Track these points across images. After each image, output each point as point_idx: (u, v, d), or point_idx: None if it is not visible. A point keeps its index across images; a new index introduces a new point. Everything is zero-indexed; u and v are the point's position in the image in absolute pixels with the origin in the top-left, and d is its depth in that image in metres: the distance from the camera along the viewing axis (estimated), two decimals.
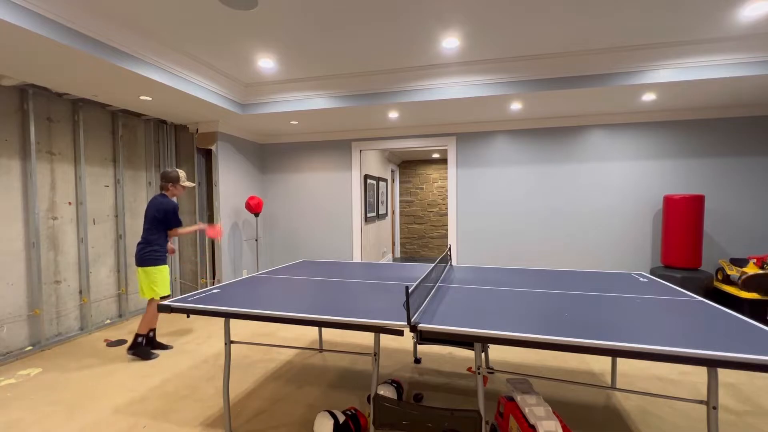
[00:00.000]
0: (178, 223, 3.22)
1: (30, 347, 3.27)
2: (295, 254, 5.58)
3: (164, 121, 4.60)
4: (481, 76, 3.57)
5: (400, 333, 1.58)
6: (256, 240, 5.26)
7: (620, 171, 4.44)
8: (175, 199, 3.35)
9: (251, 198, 4.81)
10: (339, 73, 3.77)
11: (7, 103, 3.15)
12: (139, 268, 3.14)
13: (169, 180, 3.18)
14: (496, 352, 3.16)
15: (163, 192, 3.20)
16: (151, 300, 3.15)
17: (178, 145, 4.78)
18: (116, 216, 4.10)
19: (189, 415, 2.28)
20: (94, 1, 2.44)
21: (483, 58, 3.43)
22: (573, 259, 4.61)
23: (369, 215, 6.23)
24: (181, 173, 3.24)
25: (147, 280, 3.13)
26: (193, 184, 3.50)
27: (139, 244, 3.15)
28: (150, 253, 3.12)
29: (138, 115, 4.25)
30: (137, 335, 3.12)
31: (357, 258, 5.30)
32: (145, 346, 3.12)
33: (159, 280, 3.15)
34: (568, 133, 4.57)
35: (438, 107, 4.01)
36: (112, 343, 3.44)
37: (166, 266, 3.21)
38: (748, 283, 2.39)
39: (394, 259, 8.32)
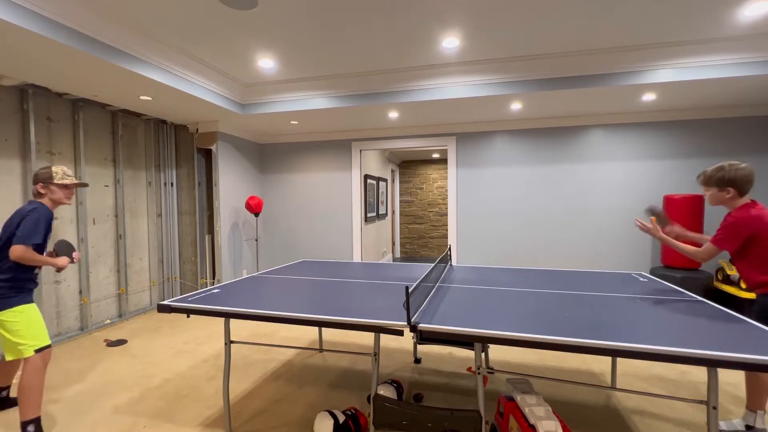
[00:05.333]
0: (33, 237, 2.00)
1: None
2: (295, 254, 5.58)
3: (164, 121, 4.60)
4: (481, 76, 3.57)
5: (400, 333, 1.58)
6: (256, 240, 5.26)
7: (620, 171, 4.44)
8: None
9: (251, 198, 4.81)
10: (339, 73, 3.77)
11: (7, 103, 3.14)
12: None
13: (37, 181, 2.14)
14: (496, 352, 3.16)
15: (36, 200, 2.14)
16: (25, 360, 2.00)
17: (178, 145, 4.78)
18: (116, 216, 4.10)
19: (189, 415, 2.28)
20: (94, 1, 2.44)
21: (483, 58, 3.43)
22: (573, 258, 4.61)
23: (369, 215, 6.23)
24: (57, 169, 2.16)
25: (4, 332, 1.99)
26: (82, 183, 2.30)
27: None
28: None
29: (138, 115, 4.25)
30: (23, 424, 1.98)
31: (357, 258, 5.30)
32: None
33: (23, 325, 2.01)
34: (568, 133, 4.57)
35: (438, 107, 4.01)
36: (112, 343, 3.44)
37: (32, 305, 2.07)
38: None
39: (394, 259, 8.32)
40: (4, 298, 1.99)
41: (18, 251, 1.97)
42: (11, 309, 2.00)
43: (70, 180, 2.19)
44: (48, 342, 2.10)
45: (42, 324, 2.10)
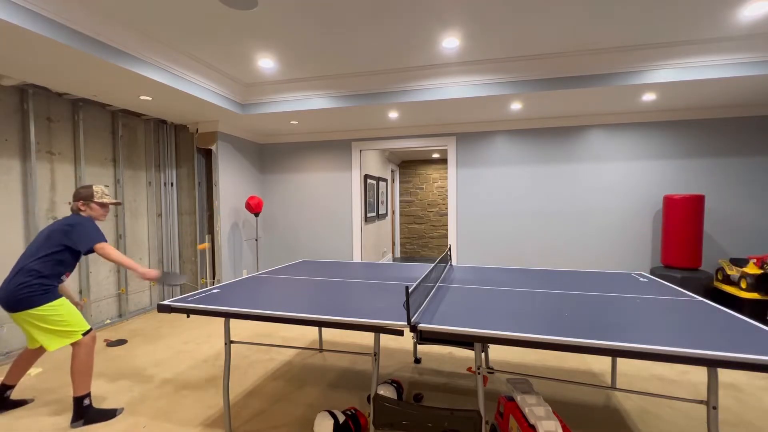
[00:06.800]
0: (101, 236, 2.27)
1: None
2: (295, 254, 5.58)
3: (164, 121, 4.60)
4: (481, 76, 3.57)
5: (400, 333, 1.58)
6: (256, 240, 5.26)
7: (620, 171, 4.44)
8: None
9: (251, 198, 4.81)
10: (339, 73, 3.77)
11: (7, 103, 3.14)
12: (23, 313, 2.13)
13: (78, 199, 2.33)
14: (496, 352, 3.16)
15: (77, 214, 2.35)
16: (75, 344, 2.21)
17: (178, 145, 4.78)
18: (116, 216, 4.10)
19: (189, 415, 2.28)
20: (94, 1, 2.44)
21: (483, 58, 3.43)
22: (573, 259, 4.61)
23: (369, 215, 6.23)
24: (97, 188, 2.37)
25: (48, 324, 2.16)
26: (117, 202, 2.51)
27: (18, 277, 2.14)
28: (35, 288, 2.14)
29: (138, 115, 4.25)
30: (78, 399, 2.19)
31: (357, 258, 5.30)
32: (92, 408, 2.25)
33: (67, 316, 2.20)
34: (568, 133, 4.57)
35: (438, 107, 4.01)
36: (112, 343, 3.44)
37: (63, 298, 2.25)
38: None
39: (394, 259, 8.32)
40: (45, 294, 2.17)
41: (105, 248, 2.23)
42: (50, 303, 2.17)
43: (108, 199, 2.41)
44: (89, 326, 2.29)
45: (78, 312, 2.29)
